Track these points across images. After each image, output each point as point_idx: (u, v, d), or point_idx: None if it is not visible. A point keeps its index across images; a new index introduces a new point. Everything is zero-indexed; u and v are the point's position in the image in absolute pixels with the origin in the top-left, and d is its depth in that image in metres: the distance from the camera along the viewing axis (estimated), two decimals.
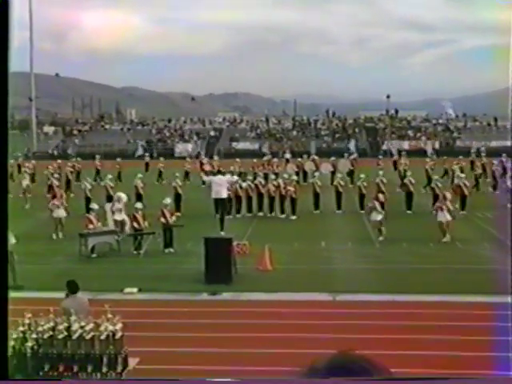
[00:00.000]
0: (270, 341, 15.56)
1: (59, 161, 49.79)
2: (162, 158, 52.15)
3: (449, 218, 26.70)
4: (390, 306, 18.39)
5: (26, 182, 40.03)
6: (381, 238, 26.95)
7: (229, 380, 2.36)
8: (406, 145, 74.68)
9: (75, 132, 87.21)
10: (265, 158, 49.81)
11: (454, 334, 15.75)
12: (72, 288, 13.31)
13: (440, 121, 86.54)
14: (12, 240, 20.81)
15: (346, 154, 52.22)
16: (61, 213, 28.50)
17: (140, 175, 37.42)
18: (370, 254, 24.87)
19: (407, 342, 15.25)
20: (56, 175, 40.57)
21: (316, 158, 49.32)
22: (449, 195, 27.99)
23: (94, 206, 27.03)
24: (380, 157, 50.84)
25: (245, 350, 15.06)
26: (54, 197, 34.97)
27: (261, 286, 20.56)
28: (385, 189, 33.47)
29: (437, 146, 73.55)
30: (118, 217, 27.40)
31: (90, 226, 25.43)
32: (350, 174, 43.28)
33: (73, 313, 12.32)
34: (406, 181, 35.26)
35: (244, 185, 34.02)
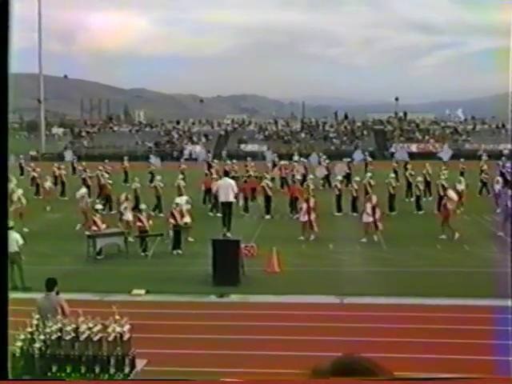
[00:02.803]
0: (278, 343, 15.55)
1: (84, 163, 48.00)
2: (182, 160, 52.13)
3: (370, 219, 27.59)
4: (397, 308, 18.38)
5: (48, 183, 39.85)
6: (301, 238, 27.87)
7: (236, 380, 2.36)
8: (414, 148, 74.56)
9: (83, 134, 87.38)
10: (282, 162, 49.14)
11: (463, 337, 15.71)
12: (47, 286, 13.30)
13: (448, 123, 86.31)
14: (20, 241, 20.89)
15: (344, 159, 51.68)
16: (129, 215, 28.24)
17: (159, 177, 37.51)
18: (378, 257, 24.85)
19: (415, 346, 15.22)
20: (106, 175, 39.63)
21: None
22: (374, 198, 28.81)
23: (99, 206, 26.86)
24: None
25: (252, 351, 15.07)
26: (107, 198, 35.30)
27: (269, 288, 20.56)
28: (371, 190, 33.89)
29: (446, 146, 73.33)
30: (187, 219, 27.38)
31: (94, 228, 25.33)
32: (347, 177, 42.82)
33: (41, 312, 12.43)
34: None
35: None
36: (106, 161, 46.96)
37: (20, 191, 32.89)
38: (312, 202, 28.97)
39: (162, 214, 32.40)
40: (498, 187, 35.13)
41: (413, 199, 36.51)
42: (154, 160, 53.04)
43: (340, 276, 22.23)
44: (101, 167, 41.89)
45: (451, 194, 30.01)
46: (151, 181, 41.56)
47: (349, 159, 47.90)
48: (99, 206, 26.81)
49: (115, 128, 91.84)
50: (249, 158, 47.66)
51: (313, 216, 28.34)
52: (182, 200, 28.13)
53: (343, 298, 19.60)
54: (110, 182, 38.13)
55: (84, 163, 47.64)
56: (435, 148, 73.68)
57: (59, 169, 44.78)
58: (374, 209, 27.96)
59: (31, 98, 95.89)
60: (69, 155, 60.28)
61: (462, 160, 47.68)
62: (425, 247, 26.14)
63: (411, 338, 15.77)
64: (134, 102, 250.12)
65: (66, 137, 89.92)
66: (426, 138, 79.36)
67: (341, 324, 17.02)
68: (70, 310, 12.91)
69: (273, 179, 40.81)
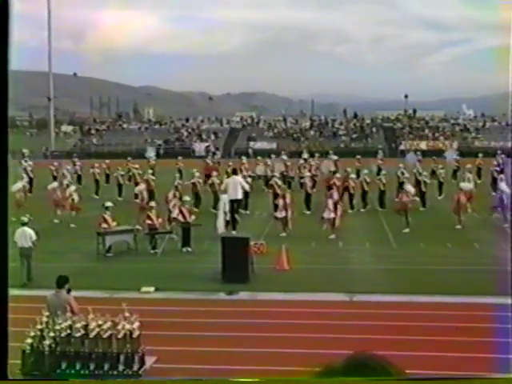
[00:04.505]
0: (287, 340, 15.55)
1: (107, 160, 46.94)
2: (212, 157, 51.78)
3: (332, 215, 27.86)
4: (406, 306, 18.34)
5: (65, 182, 39.96)
6: (284, 234, 28.14)
7: (245, 380, 2.36)
8: (423, 145, 74.42)
9: (93, 131, 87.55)
10: (301, 161, 48.22)
11: (473, 335, 15.66)
12: (58, 283, 13.29)
13: (458, 121, 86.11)
14: (33, 237, 21.20)
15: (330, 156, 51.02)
16: (178, 213, 28.20)
17: (198, 173, 37.76)
18: (387, 255, 24.80)
19: (424, 343, 15.19)
20: (150, 171, 39.48)
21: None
22: (336, 194, 29.32)
23: (108, 204, 26.85)
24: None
25: (262, 349, 15.07)
26: (150, 194, 35.44)
27: (278, 286, 20.55)
28: (367, 187, 35.36)
29: (455, 146, 73.21)
30: (229, 217, 27.44)
31: (104, 226, 25.37)
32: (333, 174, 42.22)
33: (51, 309, 12.49)
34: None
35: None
36: (129, 158, 46.83)
37: (73, 188, 33.40)
38: (288, 198, 29.42)
39: (197, 210, 33.30)
40: (502, 185, 35.10)
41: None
42: (151, 153, 52.34)
43: (349, 274, 22.21)
44: (137, 165, 42.45)
45: (408, 187, 31.06)
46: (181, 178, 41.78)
47: (335, 157, 47.72)
48: (109, 204, 26.74)
49: (124, 126, 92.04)
50: (272, 156, 47.71)
51: (289, 213, 28.75)
52: (226, 198, 28.28)
53: (352, 296, 19.57)
54: (153, 178, 38.19)
55: (107, 161, 46.76)
56: (445, 146, 73.60)
57: (92, 167, 43.91)
58: (335, 205, 28.20)
59: (41, 95, 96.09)
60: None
61: (455, 158, 47.76)
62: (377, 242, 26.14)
63: (419, 335, 15.74)
64: (143, 99, 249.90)
65: (76, 134, 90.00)
66: (436, 135, 79.20)
67: (350, 322, 17.00)
68: (78, 308, 12.92)
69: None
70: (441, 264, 22.96)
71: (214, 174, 37.63)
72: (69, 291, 13.37)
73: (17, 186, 34.52)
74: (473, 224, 30.30)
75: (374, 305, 18.62)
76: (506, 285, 17.71)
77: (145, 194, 32.83)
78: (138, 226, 26.22)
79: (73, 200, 32.23)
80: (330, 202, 28.15)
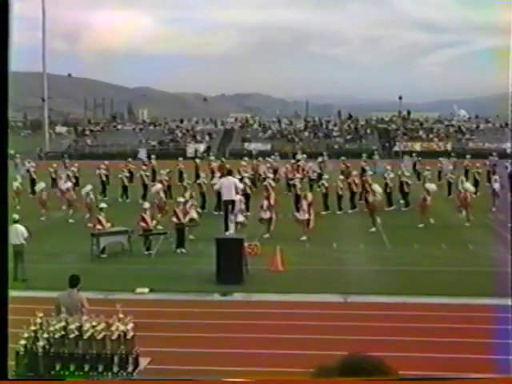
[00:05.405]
0: (281, 342, 15.55)
1: (106, 161, 45.30)
2: (215, 158, 51.16)
3: (306, 216, 27.99)
4: (401, 307, 18.37)
5: (63, 182, 39.85)
6: (267, 235, 28.17)
7: (240, 380, 2.36)
8: (418, 146, 74.50)
9: (87, 132, 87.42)
10: (300, 162, 47.73)
11: (467, 336, 15.68)
12: (71, 282, 13.27)
13: (452, 122, 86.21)
14: (25, 234, 21.38)
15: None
16: (194, 213, 28.14)
17: (203, 174, 38.06)
18: (382, 256, 24.83)
19: (418, 345, 15.21)
20: (164, 172, 39.59)
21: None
22: (310, 196, 29.46)
23: (103, 205, 26.84)
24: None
25: (256, 350, 15.07)
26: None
27: (272, 287, 20.56)
28: (356, 188, 35.42)
29: (449, 147, 73.32)
30: (240, 218, 27.52)
31: (98, 227, 25.34)
32: (319, 176, 41.71)
33: (63, 308, 12.46)
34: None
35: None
36: (129, 159, 47.34)
37: (89, 187, 33.42)
38: (272, 199, 29.64)
39: (206, 211, 34.18)
40: (496, 186, 35.29)
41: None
42: (143, 155, 52.51)
43: (344, 275, 22.23)
44: (144, 166, 42.70)
45: (376, 187, 31.68)
46: (180, 179, 41.38)
47: (320, 159, 47.95)
48: (103, 205, 26.76)
49: (119, 127, 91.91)
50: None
51: (274, 213, 29.02)
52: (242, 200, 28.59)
53: (347, 297, 19.60)
54: (166, 178, 38.23)
55: (106, 162, 45.23)
56: (439, 147, 73.75)
57: (99, 168, 42.82)
58: (309, 206, 28.31)
59: (35, 96, 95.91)
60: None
61: (440, 159, 48.02)
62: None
63: (414, 336, 15.76)
64: (137, 100, 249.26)
65: (70, 135, 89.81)
66: (430, 136, 79.29)
67: (344, 323, 17.01)
68: (89, 308, 12.94)
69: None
70: (435, 265, 23.01)
71: (217, 174, 37.59)
72: (77, 290, 13.38)
73: (40, 186, 34.77)
74: (467, 225, 30.35)
75: (368, 306, 18.64)
76: (501, 286, 17.78)
77: (162, 194, 32.97)
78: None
79: (91, 199, 32.42)
80: (305, 204, 28.28)
